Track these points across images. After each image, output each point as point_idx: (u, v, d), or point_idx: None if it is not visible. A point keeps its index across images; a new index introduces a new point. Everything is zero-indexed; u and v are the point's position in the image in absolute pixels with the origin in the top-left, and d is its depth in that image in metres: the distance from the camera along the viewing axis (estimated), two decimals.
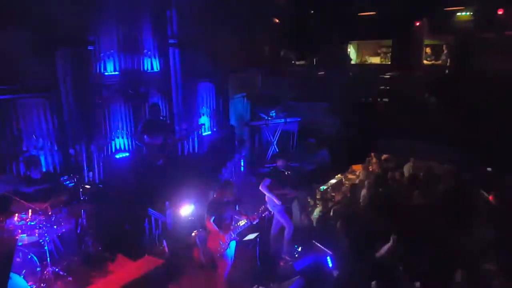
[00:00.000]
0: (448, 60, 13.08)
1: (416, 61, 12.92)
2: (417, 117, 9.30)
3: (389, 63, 14.28)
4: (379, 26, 12.88)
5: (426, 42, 13.94)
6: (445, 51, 13.50)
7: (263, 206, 6.13)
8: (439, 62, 13.55)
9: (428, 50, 13.89)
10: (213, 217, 5.46)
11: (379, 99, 10.91)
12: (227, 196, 5.70)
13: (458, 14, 12.43)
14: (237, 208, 6.09)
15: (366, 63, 15.69)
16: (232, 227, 5.64)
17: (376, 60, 15.81)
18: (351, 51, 15.97)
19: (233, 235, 5.59)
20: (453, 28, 12.21)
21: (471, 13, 12.09)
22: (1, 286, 2.79)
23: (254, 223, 5.92)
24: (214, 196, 6.01)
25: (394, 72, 11.96)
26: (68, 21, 6.22)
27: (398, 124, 9.23)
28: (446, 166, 8.29)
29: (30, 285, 4.63)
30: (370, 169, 9.16)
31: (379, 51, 15.98)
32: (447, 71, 11.97)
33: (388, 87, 11.19)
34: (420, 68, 12.72)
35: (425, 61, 13.85)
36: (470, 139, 8.24)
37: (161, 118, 7.52)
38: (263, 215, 5.93)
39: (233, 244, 5.69)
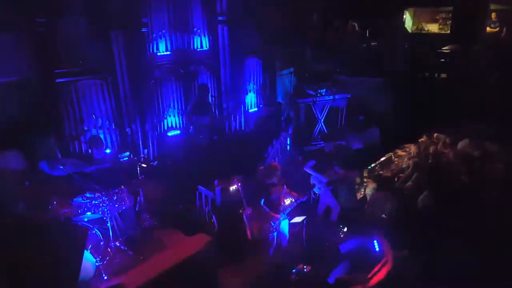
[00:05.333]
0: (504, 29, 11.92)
1: (478, 30, 11.84)
2: (477, 95, 8.68)
3: (448, 32, 13.23)
4: None
5: (493, 7, 12.72)
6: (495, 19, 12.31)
7: (311, 185, 6.19)
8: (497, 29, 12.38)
9: (493, 16, 12.66)
10: (262, 200, 5.64)
11: (436, 75, 10.24)
12: (271, 178, 5.83)
13: None
14: (285, 189, 6.21)
15: (423, 31, 14.67)
16: (281, 207, 5.80)
17: (433, 27, 14.71)
18: (407, 17, 14.98)
19: (283, 216, 5.76)
20: None
21: None
22: (76, 270, 3.13)
23: (304, 200, 6.04)
24: (259, 179, 6.15)
25: (453, 45, 11.08)
26: (123, 5, 6.41)
27: (456, 102, 8.68)
28: (503, 147, 7.80)
29: (95, 258, 5.10)
30: (423, 148, 8.82)
31: (437, 17, 14.84)
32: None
33: (446, 61, 10.44)
34: (482, 38, 11.67)
35: (488, 28, 12.70)
36: None
37: (209, 98, 7.65)
38: (310, 192, 6.01)
39: (285, 223, 5.87)
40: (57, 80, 6.35)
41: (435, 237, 5.38)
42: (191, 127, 7.43)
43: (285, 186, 6.20)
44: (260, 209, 5.73)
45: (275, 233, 5.81)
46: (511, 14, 12.29)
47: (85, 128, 6.77)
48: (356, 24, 12.73)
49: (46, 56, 6.13)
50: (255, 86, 9.38)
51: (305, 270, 5.63)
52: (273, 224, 5.71)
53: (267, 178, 5.87)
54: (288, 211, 5.88)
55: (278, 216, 5.72)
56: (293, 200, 5.98)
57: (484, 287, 4.66)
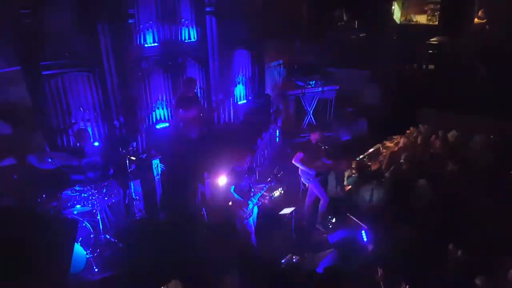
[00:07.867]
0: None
1: (466, 22, 11.95)
2: (464, 87, 8.81)
3: (437, 23, 13.33)
4: None
5: None
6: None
7: (276, 168, 6.19)
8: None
9: (480, 13, 12.80)
10: (232, 187, 5.70)
11: (424, 66, 10.32)
12: (241, 165, 5.88)
13: None
14: (254, 176, 6.23)
15: (411, 22, 14.76)
16: (252, 194, 5.85)
17: (422, 18, 14.81)
18: (395, 8, 15.05)
19: (254, 201, 5.81)
20: None
21: None
22: (66, 262, 3.16)
23: (272, 184, 6.10)
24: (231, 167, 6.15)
25: (441, 37, 11.18)
26: None
27: (443, 94, 8.79)
28: (489, 138, 7.95)
29: (85, 251, 5.12)
30: (411, 140, 8.93)
31: (426, 7, 14.96)
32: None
33: (434, 53, 10.53)
34: (470, 30, 11.79)
35: (476, 20, 12.84)
36: None
37: (196, 90, 7.63)
38: (278, 176, 6.05)
39: (255, 210, 5.93)
40: (44, 73, 6.25)
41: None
42: (180, 121, 7.39)
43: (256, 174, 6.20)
44: (232, 197, 5.78)
45: (251, 220, 5.87)
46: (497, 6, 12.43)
47: (73, 121, 6.70)
48: (345, 15, 12.77)
49: (32, 48, 6.03)
50: (244, 78, 9.35)
51: (294, 260, 5.72)
52: (246, 211, 5.77)
53: (238, 165, 5.91)
54: (258, 197, 5.92)
55: (248, 203, 5.77)
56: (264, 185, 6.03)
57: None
